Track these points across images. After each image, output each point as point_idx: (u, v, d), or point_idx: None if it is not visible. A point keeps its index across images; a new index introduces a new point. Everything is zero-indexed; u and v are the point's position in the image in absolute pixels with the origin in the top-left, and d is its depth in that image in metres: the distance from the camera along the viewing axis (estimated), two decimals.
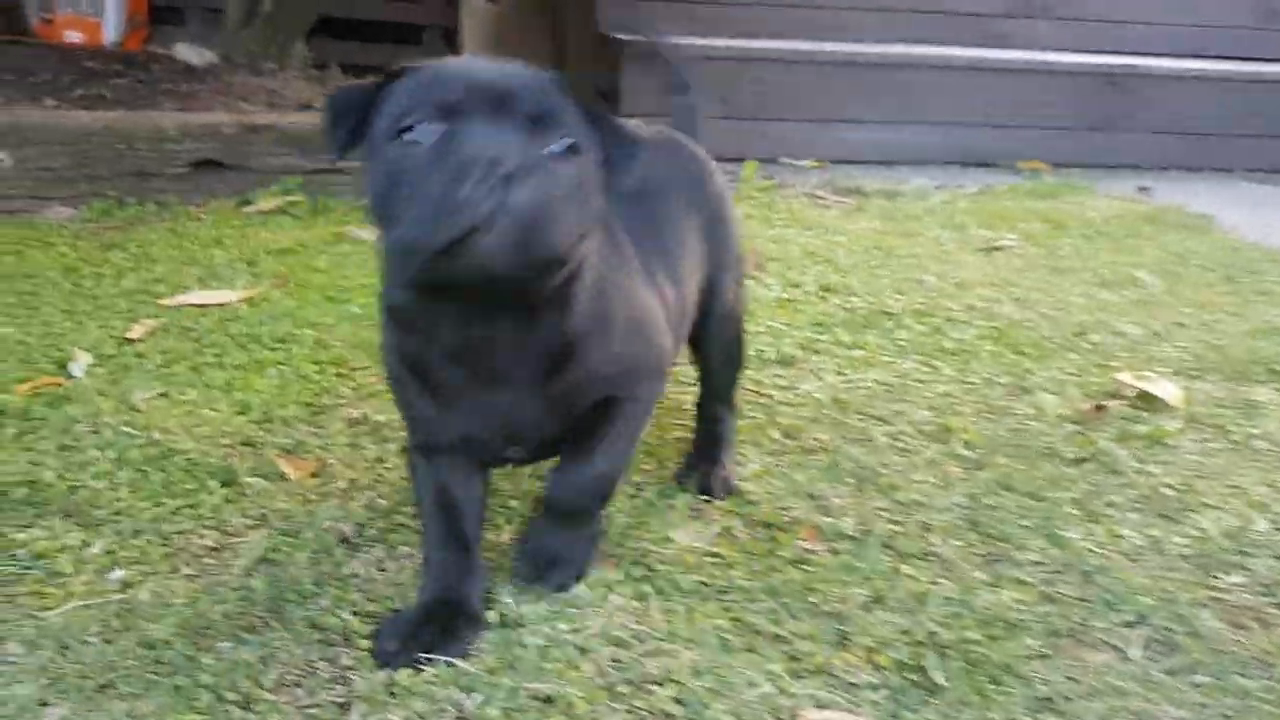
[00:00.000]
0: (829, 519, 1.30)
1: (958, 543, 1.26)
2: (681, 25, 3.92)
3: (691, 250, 1.29)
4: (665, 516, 1.30)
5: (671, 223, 1.28)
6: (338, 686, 1.00)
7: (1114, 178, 3.57)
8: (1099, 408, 1.62)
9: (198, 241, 2.44)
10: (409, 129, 0.91)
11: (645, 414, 1.17)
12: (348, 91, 1.00)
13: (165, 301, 2.00)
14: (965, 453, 1.49)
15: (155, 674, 1.00)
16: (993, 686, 1.02)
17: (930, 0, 4.18)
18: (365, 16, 4.32)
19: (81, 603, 1.09)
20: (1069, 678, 1.03)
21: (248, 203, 2.80)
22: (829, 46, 3.81)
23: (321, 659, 1.03)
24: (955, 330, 1.94)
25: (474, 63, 0.98)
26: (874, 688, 1.02)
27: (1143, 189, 3.41)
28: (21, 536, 1.21)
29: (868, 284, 2.20)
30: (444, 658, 1.02)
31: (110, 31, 4.40)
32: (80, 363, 1.69)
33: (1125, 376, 1.71)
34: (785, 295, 2.10)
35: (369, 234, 2.47)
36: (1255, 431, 1.59)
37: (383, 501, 1.33)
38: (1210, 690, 1.03)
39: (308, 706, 0.97)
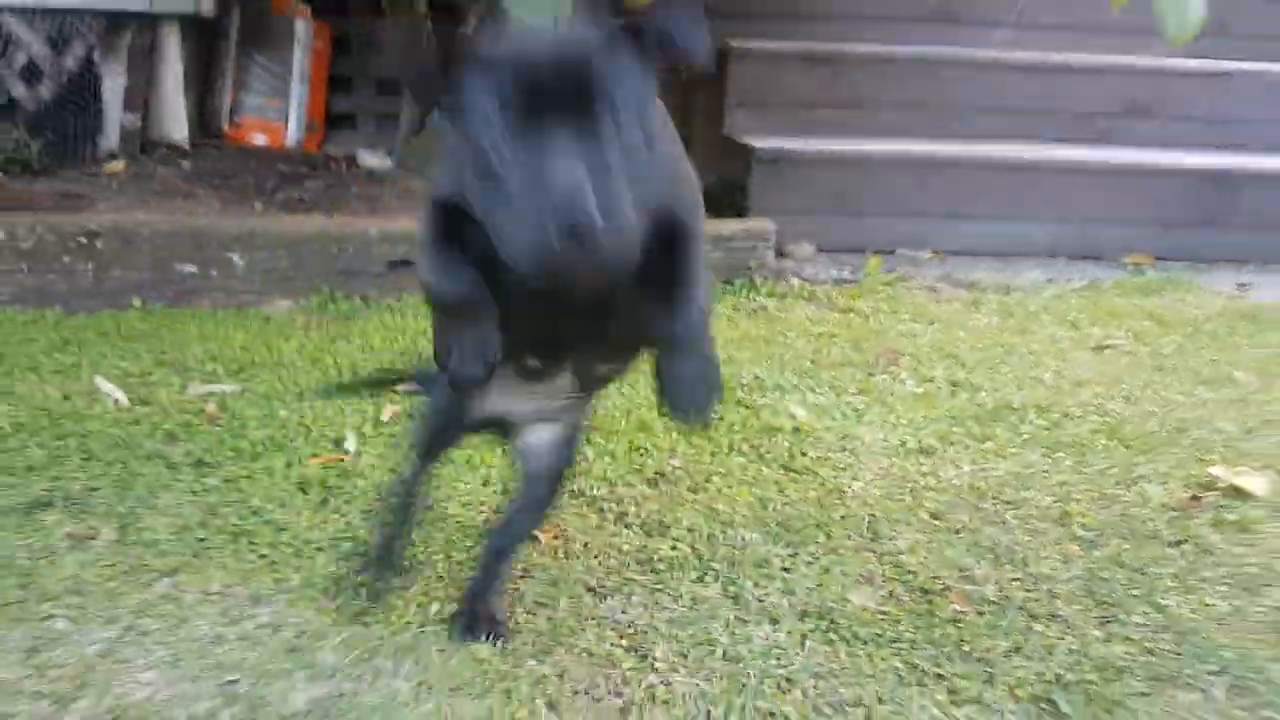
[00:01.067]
0: (974, 587, 1.64)
1: (1078, 607, 1.59)
2: (802, 126, 4.32)
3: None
4: (841, 581, 1.65)
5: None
6: (614, 697, 1.37)
7: (1215, 271, 3.82)
8: (1195, 498, 1.92)
9: (406, 333, 2.88)
10: (497, 137, 0.99)
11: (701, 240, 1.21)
12: (427, 67, 1.08)
13: (400, 388, 2.42)
14: (1082, 534, 1.81)
15: (486, 680, 1.38)
16: (1106, 715, 1.34)
17: (1044, 101, 4.50)
18: None
19: (419, 629, 1.49)
20: (1165, 710, 1.35)
21: None
22: (944, 147, 4.15)
23: (600, 676, 1.40)
24: (1072, 425, 2.27)
25: (536, 42, 1.02)
26: (1014, 714, 1.35)
27: (1242, 285, 3.67)
28: (358, 580, 1.61)
29: (992, 379, 2.53)
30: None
31: (292, 134, 4.96)
32: (351, 440, 2.12)
33: (1219, 470, 2.00)
34: (920, 390, 2.45)
35: None
36: None
37: (612, 560, 1.70)
38: None
39: (593, 708, 1.34)
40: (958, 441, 2.18)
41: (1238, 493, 1.95)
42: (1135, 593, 1.62)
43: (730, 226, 3.53)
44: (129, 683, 1.36)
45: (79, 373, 2.46)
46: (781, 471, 2.03)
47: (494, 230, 1.01)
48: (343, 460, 2.04)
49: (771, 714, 1.33)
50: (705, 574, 1.66)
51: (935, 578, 1.66)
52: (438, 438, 1.53)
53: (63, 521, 1.76)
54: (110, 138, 4.51)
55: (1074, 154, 4.23)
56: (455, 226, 1.12)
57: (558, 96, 0.96)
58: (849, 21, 4.74)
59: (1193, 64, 4.65)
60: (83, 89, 4.42)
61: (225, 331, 2.86)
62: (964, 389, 2.47)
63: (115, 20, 4.42)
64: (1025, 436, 2.21)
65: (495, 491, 1.90)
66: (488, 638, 1.46)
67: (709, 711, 1.33)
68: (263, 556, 1.69)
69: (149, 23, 4.51)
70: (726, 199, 4.31)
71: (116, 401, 2.30)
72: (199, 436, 2.12)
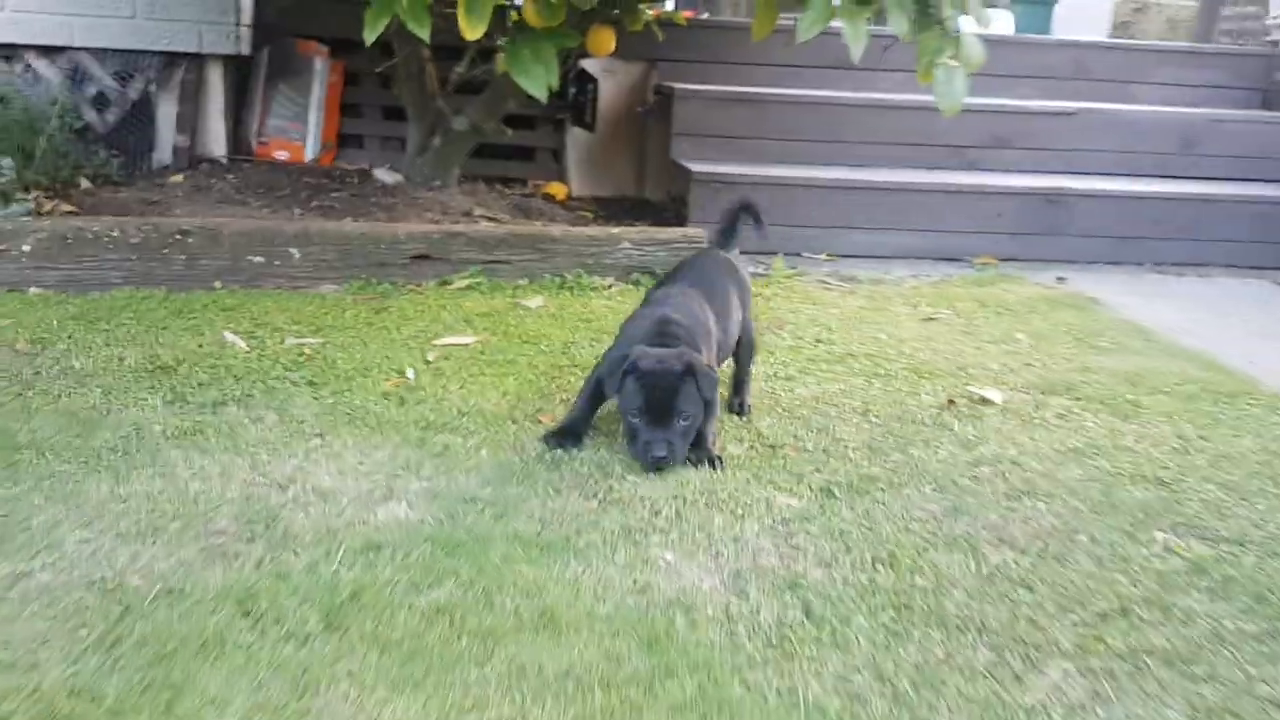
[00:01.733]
0: (802, 444, 2.73)
1: (860, 453, 2.69)
2: (731, 154, 5.44)
3: (733, 306, 2.79)
4: (723, 440, 2.74)
5: (723, 293, 2.79)
6: (602, 491, 2.44)
7: (1045, 269, 4.98)
8: (952, 402, 3.04)
9: (429, 308, 3.93)
10: (630, 417, 2.50)
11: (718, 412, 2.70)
12: (614, 371, 2.54)
13: (437, 342, 3.48)
14: (875, 420, 2.92)
15: (525, 480, 2.45)
16: (860, 497, 2.44)
17: (916, 133, 5.65)
18: (499, 142, 5.86)
19: (476, 461, 2.56)
20: (884, 501, 2.46)
21: (447, 283, 4.30)
22: (841, 174, 5.29)
23: (588, 483, 2.48)
24: (888, 364, 3.39)
25: (648, 368, 2.49)
26: (808, 497, 2.44)
27: (1060, 279, 4.83)
28: (438, 439, 2.67)
29: (844, 339, 3.65)
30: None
31: (309, 151, 5.99)
32: (411, 371, 3.17)
33: (974, 388, 3.13)
34: (792, 344, 3.56)
35: (534, 303, 3.97)
36: (1037, 417, 3.00)
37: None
38: (947, 511, 2.44)
39: (591, 497, 2.41)
40: (811, 373, 3.28)
41: (983, 401, 3.07)
42: (895, 446, 2.73)
43: (672, 233, 4.62)
44: (318, 480, 2.41)
45: (202, 330, 3.50)
46: None
47: (628, 434, 2.55)
48: (407, 382, 3.10)
49: (692, 503, 2.40)
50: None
51: (780, 440, 2.76)
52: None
53: (238, 411, 2.80)
54: (163, 154, 5.55)
55: (944, 178, 5.40)
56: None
57: (663, 401, 2.46)
58: (769, 70, 5.90)
59: (1047, 104, 5.85)
60: (142, 115, 5.45)
61: (295, 305, 3.90)
62: (824, 344, 3.58)
63: (171, 59, 5.46)
64: (855, 371, 3.33)
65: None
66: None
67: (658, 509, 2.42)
68: (370, 426, 2.74)
69: (198, 61, 5.56)
70: (673, 209, 5.43)
71: (240, 347, 3.34)
72: (306, 368, 3.17)
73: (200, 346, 3.32)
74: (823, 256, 5.02)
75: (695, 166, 5.17)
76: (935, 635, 1.89)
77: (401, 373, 3.18)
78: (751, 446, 2.72)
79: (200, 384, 2.98)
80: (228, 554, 2.04)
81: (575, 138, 6.04)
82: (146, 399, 2.82)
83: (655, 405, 2.44)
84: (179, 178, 5.28)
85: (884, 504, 2.42)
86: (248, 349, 3.32)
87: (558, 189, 5.88)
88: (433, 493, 2.37)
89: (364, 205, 5.04)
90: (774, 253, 4.80)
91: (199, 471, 2.40)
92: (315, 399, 2.93)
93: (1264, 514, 2.43)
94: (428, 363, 3.28)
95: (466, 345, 3.47)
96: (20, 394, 2.82)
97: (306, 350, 3.32)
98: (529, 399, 3.00)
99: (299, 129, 6.01)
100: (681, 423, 2.46)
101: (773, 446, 2.72)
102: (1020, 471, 2.62)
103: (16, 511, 2.15)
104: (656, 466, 2.47)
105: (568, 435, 2.66)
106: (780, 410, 2.98)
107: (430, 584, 1.96)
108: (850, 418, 2.94)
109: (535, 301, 4.03)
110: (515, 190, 5.82)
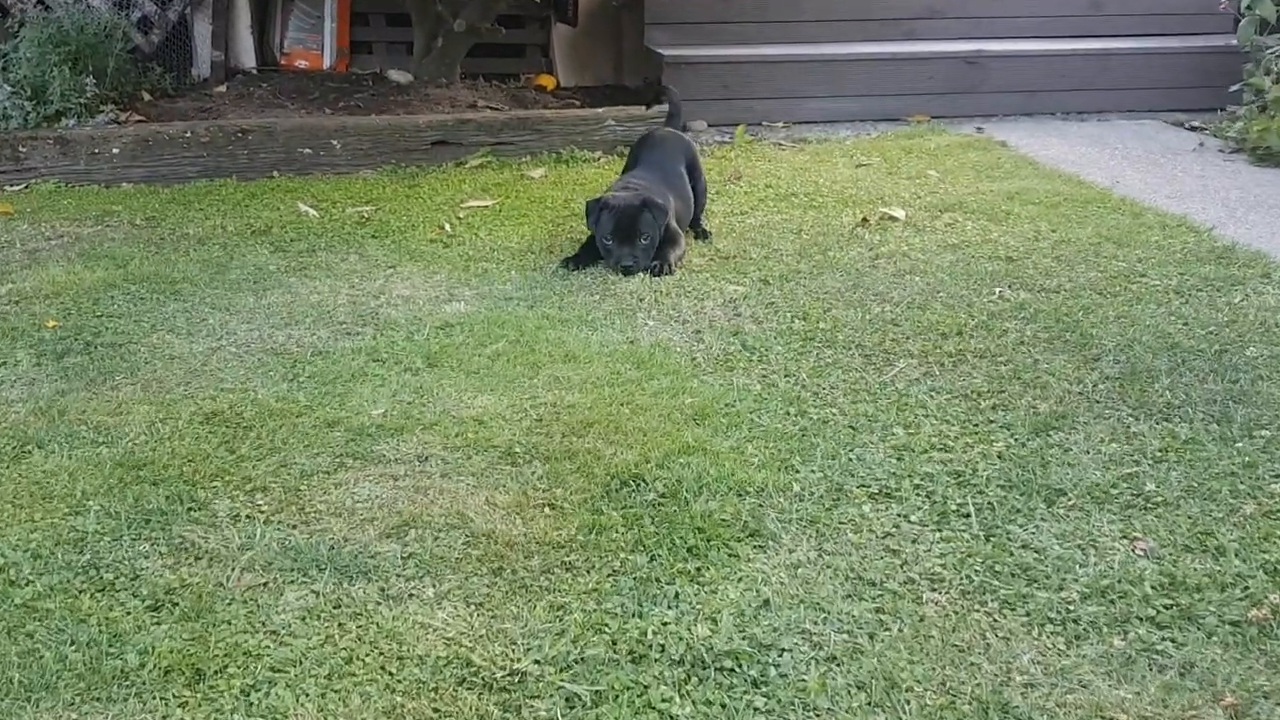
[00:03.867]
0: (750, 255, 3.66)
1: (789, 256, 3.62)
2: (699, 38, 6.27)
3: (685, 179, 3.76)
4: (690, 253, 3.68)
5: (675, 171, 3.76)
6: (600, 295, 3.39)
7: (968, 123, 5.85)
8: (865, 220, 3.97)
9: (451, 181, 4.82)
10: (605, 237, 3.43)
11: (682, 247, 3.61)
12: (593, 211, 3.48)
13: (464, 204, 4.39)
14: (804, 236, 3.85)
15: (546, 286, 3.39)
16: (780, 287, 3.39)
17: (862, 10, 6.46)
18: (494, 41, 6.66)
19: (510, 275, 3.50)
20: (815, 285, 3.41)
21: (463, 163, 5.18)
22: (795, 50, 6.13)
23: (591, 286, 3.42)
24: (820, 198, 4.31)
25: (618, 204, 3.46)
26: (753, 281, 3.38)
27: (979, 129, 5.70)
28: (477, 269, 3.60)
29: (789, 184, 4.56)
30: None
31: (326, 59, 6.80)
32: (448, 224, 4.09)
33: (884, 209, 4.05)
34: (747, 190, 4.48)
35: (537, 174, 4.87)
36: (928, 226, 3.93)
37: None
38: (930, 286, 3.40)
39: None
40: (760, 209, 4.21)
41: (889, 218, 4.00)
42: (818, 251, 3.67)
43: (651, 111, 5.49)
44: (399, 291, 3.35)
45: (277, 205, 4.40)
46: None
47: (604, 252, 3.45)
48: (445, 232, 4.02)
49: (666, 294, 3.34)
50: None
51: (732, 253, 3.69)
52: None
53: (328, 255, 3.73)
54: (203, 68, 6.37)
55: (885, 48, 6.23)
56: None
57: (627, 227, 3.37)
58: None
59: None
60: (181, 34, 6.25)
61: (344, 185, 4.80)
62: (772, 189, 4.49)
63: None
64: (795, 205, 4.25)
65: None
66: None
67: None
68: (427, 260, 3.67)
69: None
70: (649, 92, 6.28)
71: (313, 215, 4.25)
72: (367, 225, 4.09)
73: (282, 215, 4.23)
74: (780, 125, 5.89)
75: (666, 51, 6.00)
76: (828, 353, 2.87)
77: (442, 227, 4.09)
78: (710, 259, 3.66)
79: (291, 239, 3.91)
80: (351, 333, 3.00)
81: (560, 33, 6.82)
82: (256, 249, 3.75)
83: (621, 229, 3.42)
84: (222, 88, 6.11)
85: (804, 285, 3.37)
86: (319, 215, 4.24)
87: (547, 80, 6.69)
88: (481, 295, 3.33)
89: (384, 103, 5.88)
90: (738, 123, 5.67)
91: (314, 290, 3.35)
92: (381, 246, 3.85)
93: (1079, 275, 3.38)
94: (460, 219, 4.19)
95: (487, 206, 4.38)
96: (157, 251, 3.75)
97: (364, 214, 4.23)
98: (541, 239, 3.92)
99: (316, 39, 6.79)
100: (643, 241, 3.44)
101: (727, 257, 3.66)
102: (908, 260, 3.57)
103: (195, 315, 3.11)
104: (626, 272, 3.44)
105: (575, 260, 3.59)
106: (734, 234, 3.91)
107: (489, 341, 2.93)
108: (786, 236, 3.87)
109: (538, 173, 4.92)
110: (510, 84, 6.64)
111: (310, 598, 1.87)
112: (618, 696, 1.64)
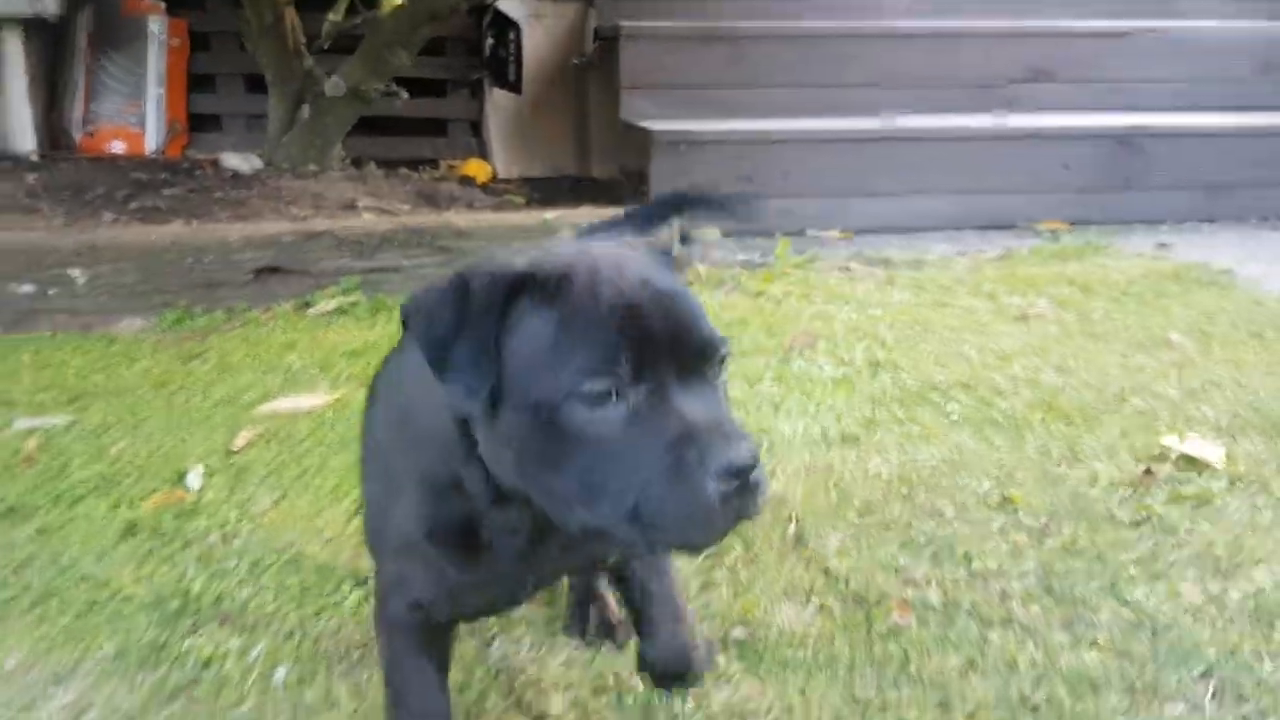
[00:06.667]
0: (915, 591, 1.42)
1: (1035, 608, 1.38)
2: (703, 107, 4.11)
3: None
4: (764, 597, 1.42)
5: None
6: None
7: (1131, 233, 3.70)
8: (1149, 472, 1.73)
9: (271, 348, 2.58)
10: (595, 393, 0.86)
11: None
12: (453, 309, 0.89)
13: (258, 410, 2.14)
14: (1029, 521, 1.61)
15: None
16: None
17: (941, 69, 4.36)
18: (396, 114, 4.49)
19: (256, 699, 1.21)
20: None
21: (308, 305, 2.95)
22: (847, 123, 3.98)
23: None
24: (1003, 401, 2.07)
25: (611, 273, 0.91)
26: None
27: (1162, 245, 3.55)
28: (185, 645, 1.33)
29: (912, 358, 2.33)
30: None
31: (151, 140, 4.59)
32: (196, 475, 1.82)
33: (1170, 440, 1.82)
34: (839, 374, 2.23)
35: None
36: None
37: None
38: None
39: None
40: (882, 426, 1.96)
41: (1192, 463, 1.77)
42: (1097, 584, 1.42)
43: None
44: None
45: None
46: None
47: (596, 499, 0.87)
48: (182, 499, 1.74)
49: None
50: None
51: (870, 583, 1.43)
52: None
53: None
54: None
55: (982, 122, 4.10)
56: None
57: (667, 358, 0.89)
58: None
59: (1092, 24, 4.58)
60: None
61: (62, 357, 2.53)
62: (885, 369, 2.26)
63: None
64: (953, 417, 2.00)
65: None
66: None
67: None
68: (74, 620, 1.39)
69: None
70: (629, 187, 4.09)
71: None
72: (15, 480, 1.81)
73: None
74: (835, 233, 3.70)
75: (655, 125, 3.83)
76: None
77: (180, 478, 1.82)
78: (818, 605, 1.39)
79: None
80: None
81: (497, 103, 4.69)
82: None
83: (654, 334, 0.90)
84: None
85: None
86: None
87: (478, 168, 4.53)
88: None
89: (204, 203, 3.65)
90: (771, 232, 3.48)
91: None
92: (0, 549, 1.57)
93: None
94: (232, 454, 1.92)
95: (309, 411, 2.12)
96: None
97: (31, 445, 1.95)
98: None
99: (136, 111, 4.59)
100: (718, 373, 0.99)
101: (862, 604, 1.39)
102: None
103: None
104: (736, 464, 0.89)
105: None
106: (851, 515, 1.65)
107: None
108: (983, 519, 1.62)
109: None
110: (424, 173, 4.46)
111: None
112: None
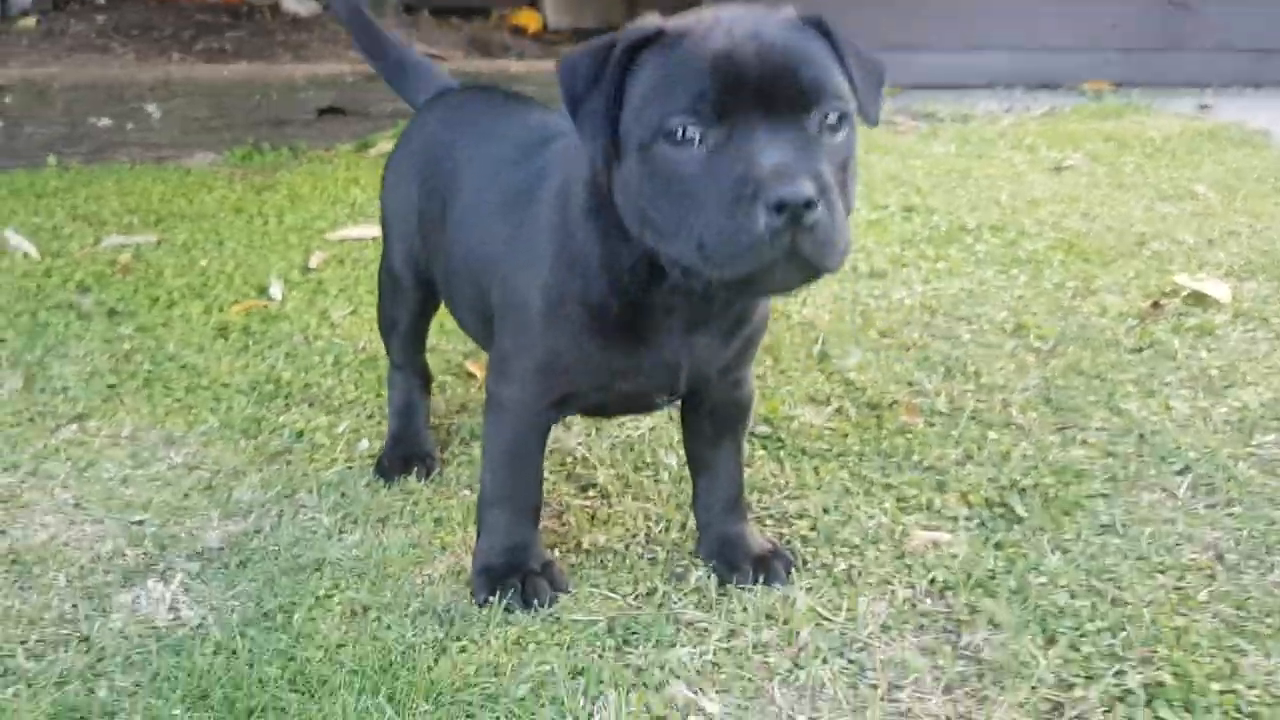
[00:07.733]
0: (924, 399, 1.57)
1: (1034, 415, 1.53)
2: None
3: None
4: (788, 400, 1.58)
5: None
6: (555, 520, 1.30)
7: (1175, 95, 3.71)
8: (1156, 305, 1.86)
9: (336, 182, 2.73)
10: (678, 132, 0.92)
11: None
12: (592, 65, 0.97)
13: (328, 236, 2.30)
14: (1039, 344, 1.75)
15: (415, 511, 1.31)
16: (1065, 517, 1.29)
17: None
18: None
19: (345, 465, 1.41)
20: (1126, 511, 1.30)
21: (367, 146, 3.08)
22: None
23: None
24: (1027, 242, 2.19)
25: (726, 27, 0.95)
26: (967, 519, 1.29)
27: (1203, 106, 3.57)
28: (280, 420, 1.52)
29: (947, 204, 2.44)
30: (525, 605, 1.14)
31: None
32: (277, 287, 2.00)
33: (1181, 279, 1.94)
34: (873, 217, 2.35)
35: None
36: None
37: None
38: (1242, 518, 1.29)
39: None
40: (910, 263, 2.09)
41: (1200, 299, 1.89)
42: (1094, 398, 1.56)
43: None
44: (30, 525, 1.27)
45: None
46: None
47: (666, 234, 0.96)
48: (265, 306, 1.92)
49: None
50: None
51: (884, 393, 1.59)
52: None
53: None
54: None
55: None
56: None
57: (751, 100, 0.93)
58: None
59: None
60: None
61: (144, 185, 2.70)
62: (918, 213, 2.37)
63: None
64: (979, 255, 2.13)
65: None
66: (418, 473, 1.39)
67: (648, 529, 1.27)
68: (178, 400, 1.59)
69: None
70: None
71: (26, 254, 2.16)
72: (113, 286, 2.00)
73: None
74: (885, 88, 3.74)
75: None
76: None
77: (262, 290, 2.00)
78: (838, 409, 1.56)
79: None
80: None
81: None
82: None
83: (748, 80, 0.98)
84: (30, 21, 3.99)
85: (1110, 525, 1.26)
86: (37, 257, 2.15)
87: (529, 18, 4.57)
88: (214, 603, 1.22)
89: (266, 45, 3.77)
90: None
91: None
92: (105, 342, 1.76)
93: None
94: (308, 271, 2.10)
95: (374, 240, 2.28)
96: None
97: (123, 258, 2.14)
98: (459, 333, 1.82)
99: None
100: (823, 118, 1.00)
101: (875, 409, 1.55)
102: None
103: None
104: (791, 220, 0.92)
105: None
106: (873, 335, 1.79)
107: None
108: (996, 342, 1.76)
109: None
110: (475, 23, 4.51)
111: None
112: None
